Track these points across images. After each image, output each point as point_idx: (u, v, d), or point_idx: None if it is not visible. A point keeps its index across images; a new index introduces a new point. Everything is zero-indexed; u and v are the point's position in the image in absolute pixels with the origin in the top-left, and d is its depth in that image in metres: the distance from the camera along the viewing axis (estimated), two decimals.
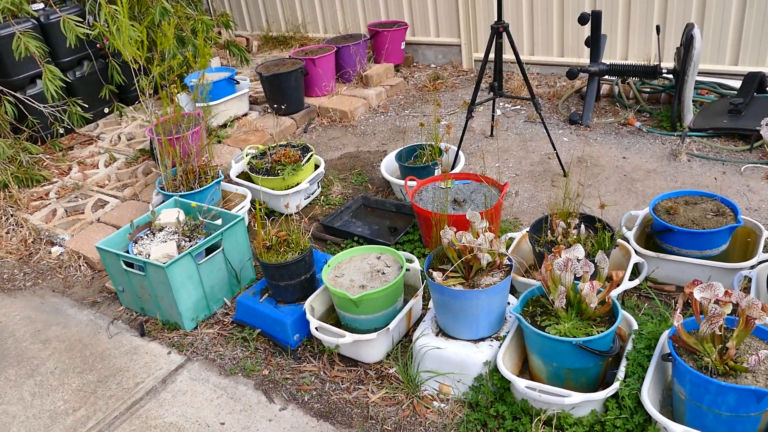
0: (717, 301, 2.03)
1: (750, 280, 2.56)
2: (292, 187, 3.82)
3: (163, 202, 3.54)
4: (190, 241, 3.15)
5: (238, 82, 5.12)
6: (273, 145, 4.13)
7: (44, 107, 4.51)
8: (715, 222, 2.79)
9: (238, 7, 7.57)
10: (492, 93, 4.13)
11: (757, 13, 4.51)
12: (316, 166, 4.06)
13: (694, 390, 1.99)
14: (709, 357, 1.99)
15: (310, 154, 3.93)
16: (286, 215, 3.72)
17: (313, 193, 4.04)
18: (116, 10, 3.46)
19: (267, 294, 3.01)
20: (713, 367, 1.98)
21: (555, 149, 3.91)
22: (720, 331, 1.99)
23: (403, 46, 6.16)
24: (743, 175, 3.62)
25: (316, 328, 2.72)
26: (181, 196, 3.52)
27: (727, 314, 2.01)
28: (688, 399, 2.02)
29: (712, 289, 2.05)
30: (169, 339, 3.06)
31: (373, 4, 6.46)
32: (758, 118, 3.78)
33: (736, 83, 4.51)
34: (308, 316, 2.75)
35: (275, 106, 5.12)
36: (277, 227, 3.03)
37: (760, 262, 2.63)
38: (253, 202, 3.65)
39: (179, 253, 3.00)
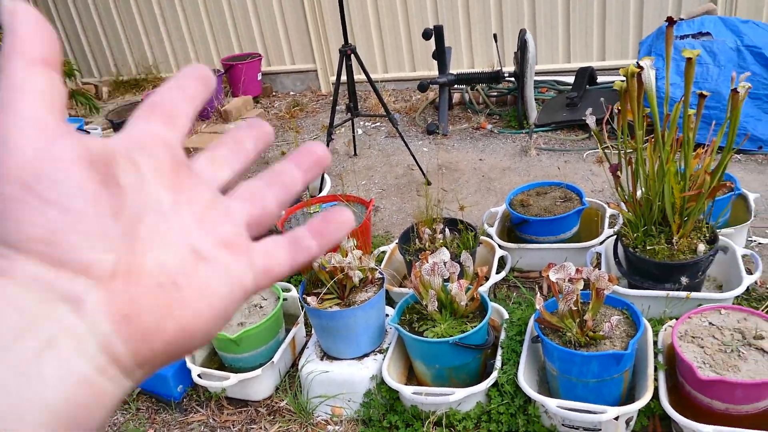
0: (570, 280, 2.18)
1: (600, 255, 2.77)
2: None
3: None
4: None
5: (88, 132, 4.90)
6: None
7: None
8: (564, 207, 3.00)
9: (82, 54, 7.26)
10: (349, 114, 4.23)
11: (581, 15, 4.93)
12: None
13: (562, 365, 2.12)
14: (571, 332, 2.13)
15: None
16: None
17: None
18: None
19: None
20: (576, 340, 2.12)
21: (416, 160, 4.05)
22: (576, 306, 2.13)
23: (259, 77, 6.17)
24: (585, 162, 3.92)
25: (198, 375, 2.64)
26: None
27: (581, 290, 2.16)
28: (559, 374, 2.15)
29: (564, 269, 2.19)
30: None
31: (224, 37, 6.42)
32: (592, 108, 4.11)
33: (571, 79, 4.89)
34: (189, 364, 2.66)
35: None
36: None
37: (607, 238, 2.86)
38: None
39: None
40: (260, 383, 2.62)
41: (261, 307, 2.75)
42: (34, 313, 0.31)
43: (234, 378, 2.54)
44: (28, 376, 0.30)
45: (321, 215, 0.42)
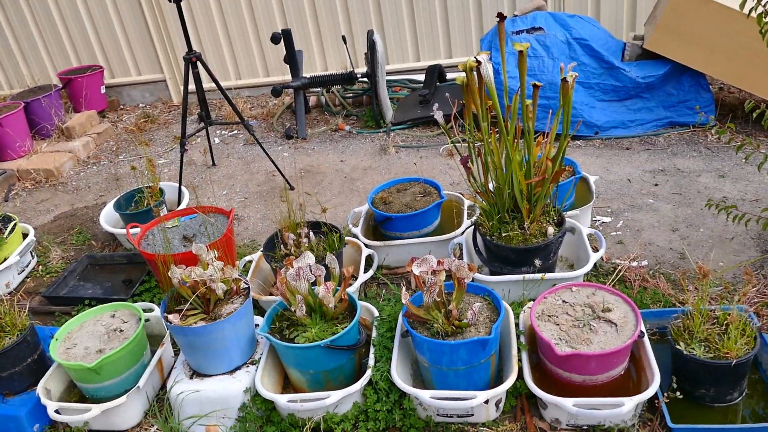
0: (433, 272, 2.24)
1: (461, 245, 2.88)
2: None
3: None
4: None
5: None
6: None
7: None
8: (424, 202, 3.09)
9: None
10: (202, 123, 4.09)
11: (425, 15, 5.10)
12: (25, 236, 3.64)
13: (432, 355, 2.18)
14: (437, 323, 2.19)
15: (12, 224, 3.51)
16: None
17: (27, 265, 3.62)
18: None
19: None
20: (443, 330, 2.18)
21: (276, 166, 4.00)
22: (440, 297, 2.20)
23: (103, 90, 5.82)
24: (442, 156, 4.06)
25: (56, 411, 2.44)
26: None
27: (445, 281, 2.23)
28: (430, 365, 2.21)
29: (426, 262, 2.25)
30: None
31: (59, 50, 5.99)
32: (443, 104, 4.27)
33: (423, 77, 5.05)
34: (44, 400, 2.46)
35: None
36: None
37: (467, 228, 2.97)
38: None
39: None
40: (126, 411, 2.47)
41: (121, 330, 2.59)
42: None
43: (96, 409, 2.38)
44: None
45: None
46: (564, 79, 2.33)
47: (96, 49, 5.91)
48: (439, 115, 2.58)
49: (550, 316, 2.26)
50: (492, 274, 2.68)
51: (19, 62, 6.13)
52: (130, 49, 5.86)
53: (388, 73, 4.88)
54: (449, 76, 5.03)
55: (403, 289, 2.27)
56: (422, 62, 5.28)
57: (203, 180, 4.38)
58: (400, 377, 2.23)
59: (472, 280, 2.28)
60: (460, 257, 2.88)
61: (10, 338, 2.56)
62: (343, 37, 4.70)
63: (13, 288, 3.49)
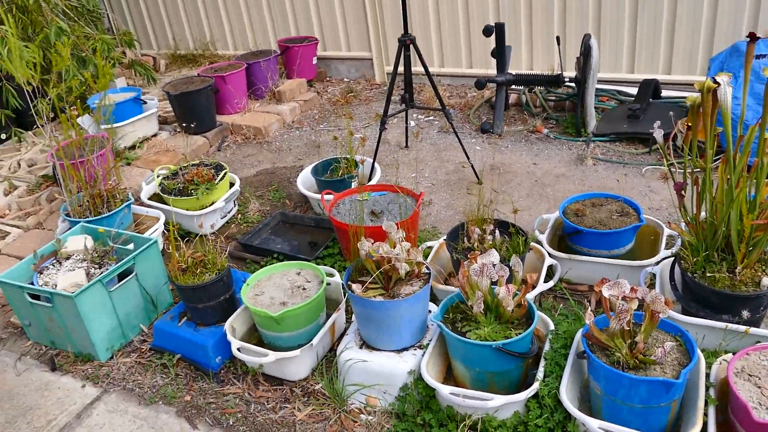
0: (624, 298, 2.12)
1: (654, 276, 2.70)
2: (207, 206, 3.73)
3: (70, 229, 3.37)
4: (100, 268, 3.02)
5: (145, 102, 4.97)
6: (185, 165, 4.03)
7: None
8: (620, 222, 2.93)
9: (142, 27, 7.37)
10: (404, 105, 4.20)
11: (648, 25, 4.79)
12: (231, 185, 3.98)
13: (608, 385, 2.07)
14: (620, 352, 2.07)
15: (223, 173, 3.86)
16: (202, 236, 3.62)
17: (229, 212, 3.97)
18: (6, 30, 3.29)
19: (186, 318, 2.91)
20: (624, 361, 2.06)
21: (468, 158, 4.01)
22: (628, 326, 2.08)
23: (314, 61, 6.17)
24: (644, 177, 3.82)
25: (238, 349, 2.66)
26: (87, 221, 3.37)
27: (635, 310, 2.10)
28: (604, 394, 2.10)
29: (619, 286, 2.14)
30: (83, 372, 2.91)
31: (282, 20, 6.44)
32: (657, 121, 4.01)
33: (634, 90, 4.77)
34: (229, 337, 2.69)
35: (186, 125, 5.00)
36: (192, 248, 2.95)
37: (663, 259, 2.78)
38: (166, 223, 3.54)
39: (88, 282, 2.86)
40: (298, 364, 2.63)
41: (304, 288, 2.75)
42: None
43: (273, 356, 2.55)
44: None
45: None
46: None
47: (314, 21, 6.27)
48: (659, 134, 2.42)
49: (750, 376, 2.04)
50: (685, 313, 2.47)
51: (246, 27, 6.68)
52: (345, 25, 6.15)
53: (597, 81, 4.67)
54: (664, 93, 4.70)
55: (588, 309, 2.18)
56: (636, 74, 4.98)
57: (394, 160, 4.50)
58: (568, 398, 2.15)
59: (667, 317, 2.12)
60: (651, 288, 2.69)
61: (209, 275, 2.81)
62: (557, 38, 4.57)
63: (216, 230, 3.84)
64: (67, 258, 3.09)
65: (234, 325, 2.78)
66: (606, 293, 2.15)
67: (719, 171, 2.31)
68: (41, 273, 3.01)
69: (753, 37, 2.24)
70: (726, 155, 2.30)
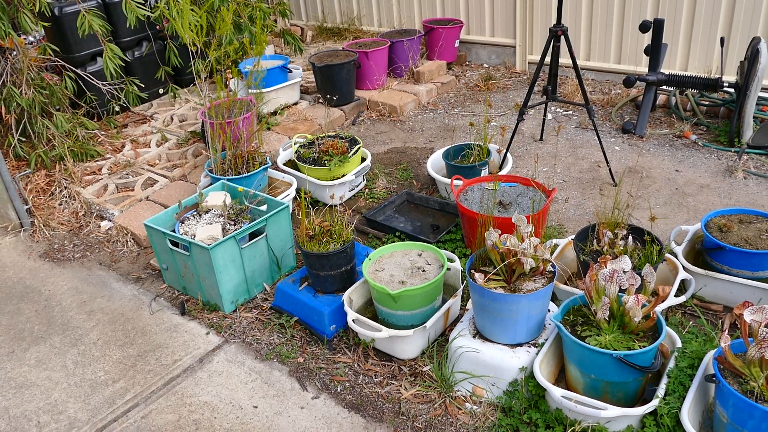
0: (767, 325, 1.96)
1: None
2: (338, 178, 3.84)
3: (211, 184, 3.60)
4: (234, 225, 3.20)
5: (290, 71, 5.17)
6: (321, 136, 4.16)
7: (102, 84, 4.63)
8: None
9: None
10: (545, 96, 4.08)
11: None
12: (363, 159, 4.07)
13: (737, 414, 1.93)
14: (756, 381, 1.93)
15: (357, 147, 3.95)
16: (331, 206, 3.73)
17: (357, 186, 4.06)
18: None
19: (306, 283, 3.03)
20: (759, 392, 1.92)
21: (606, 157, 3.84)
22: None
23: (456, 44, 6.13)
24: None
25: (353, 321, 2.73)
26: (228, 179, 3.57)
27: None
28: (730, 422, 1.96)
29: (763, 312, 1.98)
30: (209, 320, 3.12)
31: (429, 0, 6.44)
32: None
33: None
34: (346, 307, 2.76)
35: (326, 96, 5.15)
36: (320, 217, 3.05)
37: None
38: (298, 190, 3.68)
39: (224, 236, 3.04)
40: (409, 344, 2.66)
41: (424, 270, 2.77)
42: None
43: (386, 332, 2.60)
44: None
45: None
46: None
47: (461, 3, 6.21)
48: None
49: None
50: None
51: (393, 4, 6.74)
52: (492, 10, 6.05)
53: (761, 89, 4.29)
54: None
55: (724, 332, 2.04)
56: None
57: (527, 152, 4.40)
58: (689, 420, 2.03)
59: None
60: None
61: (334, 245, 2.90)
62: (722, 39, 4.24)
63: (343, 202, 3.95)
64: (207, 211, 3.30)
65: (352, 297, 2.85)
66: (748, 317, 2.00)
67: None
68: (183, 222, 3.24)
69: None
70: None
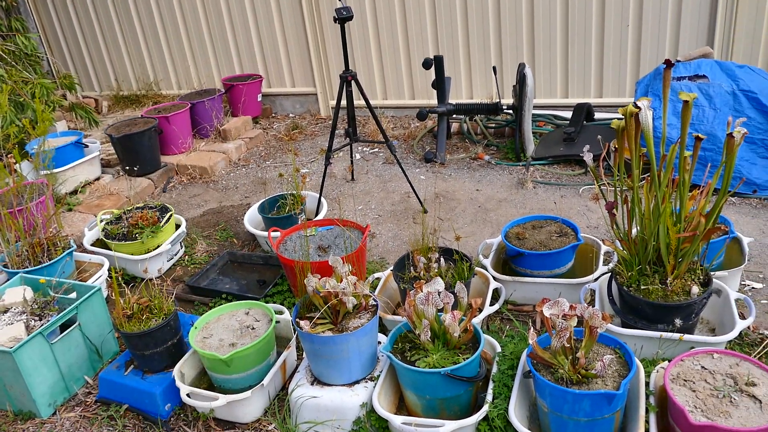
0: (564, 316, 2.18)
1: (594, 291, 2.78)
2: (152, 250, 3.69)
3: (8, 280, 3.28)
4: (40, 320, 2.94)
5: (86, 146, 4.91)
6: (129, 208, 3.98)
7: None
8: (560, 242, 3.02)
9: (83, 68, 7.28)
10: (348, 139, 4.25)
11: (579, 52, 5.00)
12: (177, 226, 3.95)
13: (554, 401, 2.11)
14: (563, 368, 2.12)
15: (169, 215, 3.82)
16: (147, 280, 3.57)
17: (176, 254, 3.92)
18: None
19: (132, 366, 2.85)
20: (567, 377, 2.12)
21: (413, 188, 4.07)
22: (569, 343, 2.13)
23: (259, 98, 6.20)
24: (581, 197, 3.95)
25: (187, 395, 2.61)
26: (27, 272, 3.28)
27: (575, 326, 2.17)
28: (550, 411, 2.14)
29: (558, 305, 2.20)
30: (24, 431, 2.81)
31: (226, 58, 6.46)
32: (589, 144, 4.17)
33: (569, 114, 4.95)
34: (178, 383, 2.64)
35: (129, 167, 4.95)
36: (137, 294, 2.91)
37: (601, 275, 2.87)
38: (110, 270, 3.47)
39: (28, 335, 2.78)
40: (249, 405, 2.60)
41: (253, 328, 2.74)
42: None
43: (223, 399, 2.52)
44: None
45: None
46: (730, 135, 2.20)
47: (258, 59, 6.32)
48: (588, 157, 2.52)
49: (686, 381, 2.12)
50: (623, 326, 2.56)
51: (190, 66, 6.68)
52: (289, 61, 6.22)
53: (534, 107, 4.82)
54: (597, 115, 4.89)
55: (531, 329, 2.23)
56: (570, 99, 5.18)
57: (341, 193, 4.54)
58: (517, 418, 2.19)
59: (605, 331, 2.19)
60: (591, 303, 2.77)
61: (156, 320, 2.77)
62: (494, 68, 4.72)
63: (162, 273, 3.79)
64: (5, 311, 3.00)
65: (183, 371, 2.74)
66: (547, 313, 2.21)
67: (644, 189, 2.42)
68: None
69: (668, 64, 2.38)
70: (651, 173, 2.41)
